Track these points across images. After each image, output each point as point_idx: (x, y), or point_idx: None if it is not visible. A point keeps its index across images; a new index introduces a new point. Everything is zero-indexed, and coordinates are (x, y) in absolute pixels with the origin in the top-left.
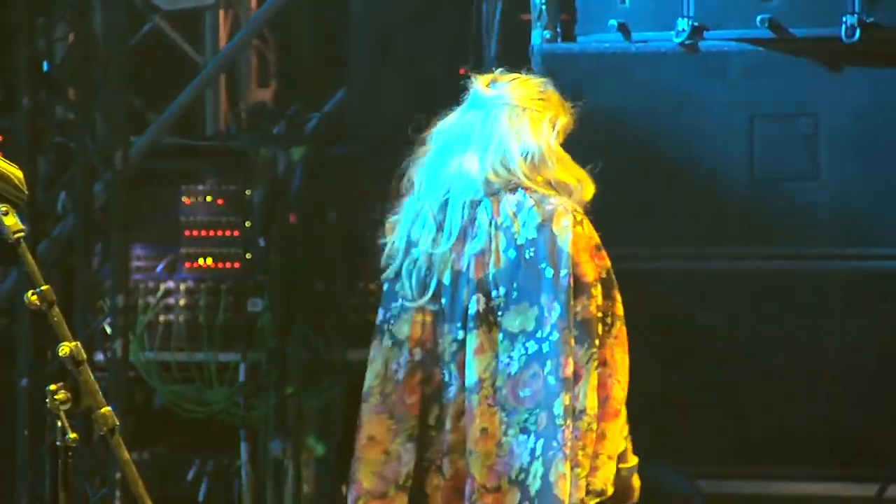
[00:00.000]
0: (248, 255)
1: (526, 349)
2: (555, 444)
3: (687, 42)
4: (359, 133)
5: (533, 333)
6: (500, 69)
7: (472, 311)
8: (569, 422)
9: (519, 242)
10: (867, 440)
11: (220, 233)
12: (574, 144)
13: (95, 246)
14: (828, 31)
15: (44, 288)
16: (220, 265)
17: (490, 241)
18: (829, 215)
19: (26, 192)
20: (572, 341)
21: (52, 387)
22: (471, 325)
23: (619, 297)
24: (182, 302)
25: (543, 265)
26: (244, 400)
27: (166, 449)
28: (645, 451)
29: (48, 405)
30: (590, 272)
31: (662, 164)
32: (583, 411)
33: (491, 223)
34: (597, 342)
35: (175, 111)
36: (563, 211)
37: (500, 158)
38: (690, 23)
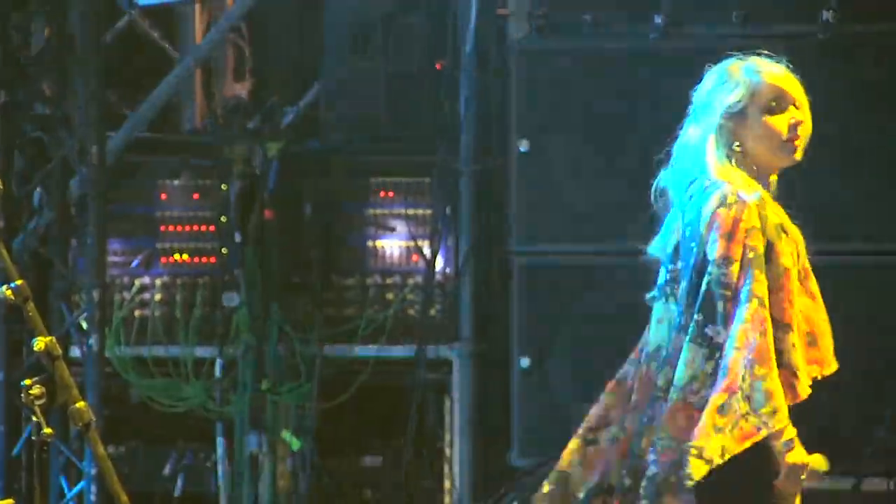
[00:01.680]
0: (223, 250)
1: None
2: None
3: (661, 37)
4: (335, 127)
5: None
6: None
7: None
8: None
9: None
10: (839, 434)
11: (195, 228)
12: (552, 139)
13: (71, 241)
14: (803, 26)
15: (18, 282)
16: (195, 260)
17: None
18: (805, 209)
19: (1, 187)
20: None
21: (28, 382)
22: None
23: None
24: (158, 297)
25: None
26: (220, 395)
27: (142, 444)
28: None
29: (23, 400)
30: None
31: (635, 161)
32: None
33: None
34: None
35: (151, 106)
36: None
37: None
38: (665, 18)
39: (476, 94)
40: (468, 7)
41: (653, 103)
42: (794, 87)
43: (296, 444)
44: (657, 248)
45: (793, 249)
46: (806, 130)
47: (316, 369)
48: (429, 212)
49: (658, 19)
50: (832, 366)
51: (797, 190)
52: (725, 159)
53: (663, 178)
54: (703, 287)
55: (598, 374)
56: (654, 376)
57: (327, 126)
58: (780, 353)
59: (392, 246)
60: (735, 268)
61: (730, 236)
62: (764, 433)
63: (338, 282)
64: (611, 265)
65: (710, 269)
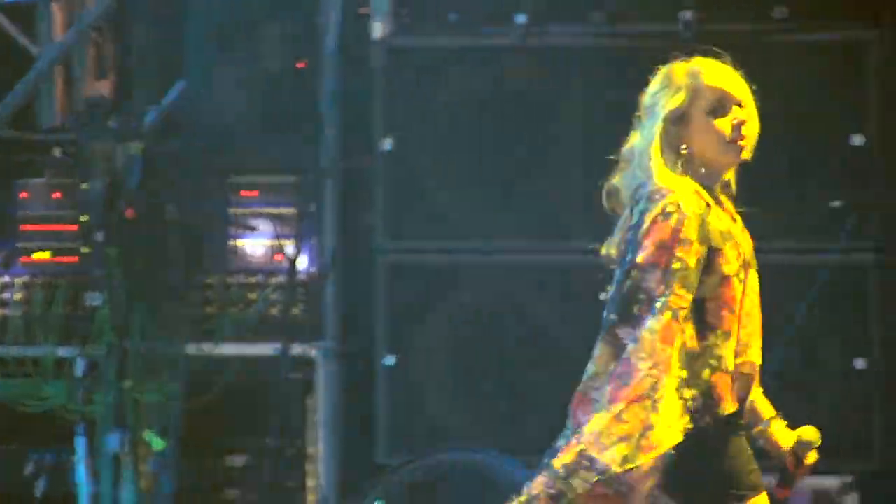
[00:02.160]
0: (85, 250)
1: None
2: None
3: (525, 36)
4: (197, 127)
5: None
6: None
7: None
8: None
9: None
10: None
11: (57, 227)
12: (417, 137)
13: None
14: (665, 26)
15: None
16: (57, 259)
17: None
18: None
19: None
20: None
21: None
22: None
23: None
24: (18, 296)
25: None
26: (82, 394)
27: (2, 444)
28: (486, 439)
29: None
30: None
31: (504, 158)
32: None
33: None
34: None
35: (11, 104)
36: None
37: None
38: (529, 17)
39: (340, 93)
40: (331, 6)
41: (517, 101)
42: (737, 86)
43: (158, 444)
44: (609, 248)
45: (737, 255)
46: (751, 129)
47: (179, 369)
48: (293, 211)
49: (520, 19)
50: (756, 360)
51: None
52: (672, 164)
53: (615, 180)
54: (624, 289)
55: (463, 372)
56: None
57: (190, 125)
58: (718, 358)
59: (255, 245)
60: (657, 275)
61: (660, 244)
62: (666, 447)
63: (200, 281)
64: (476, 263)
65: (632, 272)
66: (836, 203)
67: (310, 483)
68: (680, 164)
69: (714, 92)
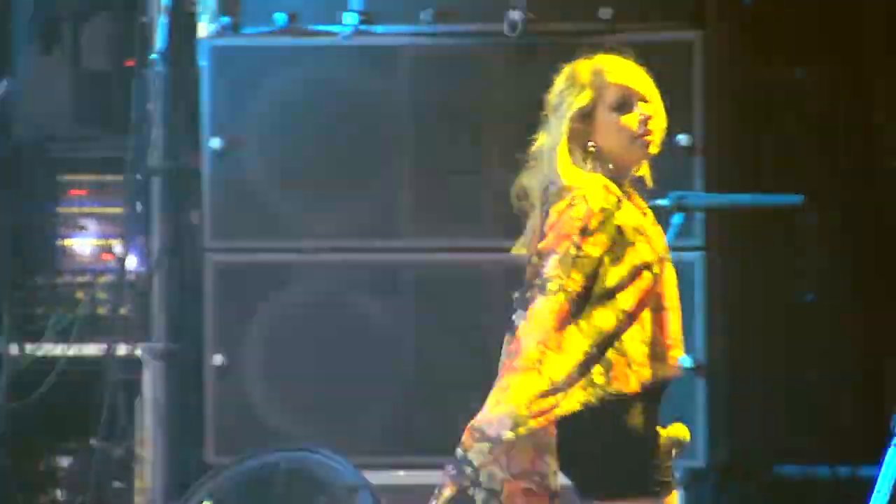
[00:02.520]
0: None
1: None
2: None
3: (354, 36)
4: (23, 125)
5: None
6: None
7: None
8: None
9: None
10: None
11: None
12: (245, 137)
13: None
14: (492, 25)
15: None
16: None
17: None
18: (494, 209)
19: None
20: None
21: None
22: None
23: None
24: None
25: None
26: None
27: None
28: (316, 439)
29: None
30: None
31: (331, 159)
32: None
33: None
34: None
35: None
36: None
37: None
38: (357, 17)
39: (167, 92)
40: (157, 4)
41: (345, 101)
42: (641, 82)
43: None
44: (521, 248)
45: (650, 249)
46: (658, 124)
47: (3, 368)
48: (121, 210)
49: (350, 18)
50: (678, 354)
51: (489, 189)
52: (580, 161)
53: (524, 180)
54: (525, 277)
55: (291, 372)
56: None
57: (16, 123)
58: (622, 342)
59: (83, 245)
60: (554, 260)
61: (561, 233)
62: (557, 412)
63: (27, 280)
64: (304, 263)
65: (532, 259)
66: (662, 202)
67: (138, 484)
68: (588, 161)
69: (618, 89)
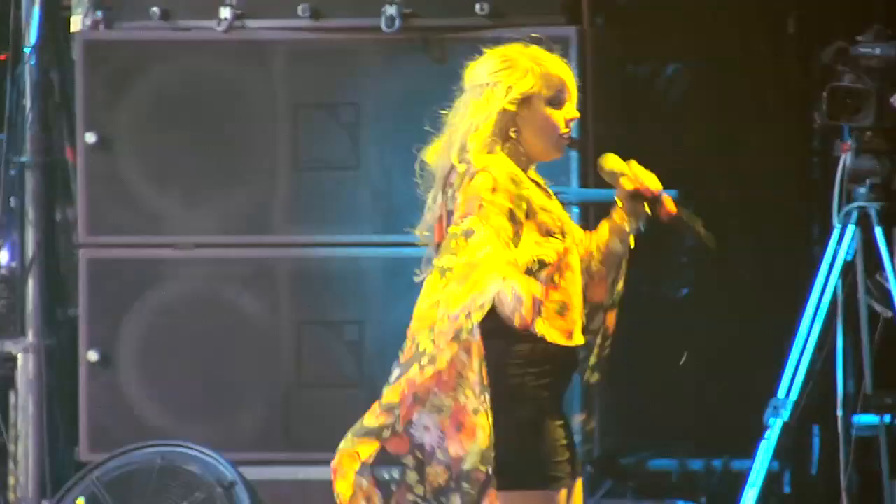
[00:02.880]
0: None
1: None
2: None
3: (230, 30)
4: None
5: None
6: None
7: None
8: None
9: None
10: None
11: None
12: (120, 131)
13: None
14: (369, 20)
15: None
16: None
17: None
18: (371, 204)
19: None
20: None
21: None
22: None
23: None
24: None
25: None
26: None
27: None
28: (193, 435)
29: None
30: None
31: (207, 154)
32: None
33: None
34: None
35: None
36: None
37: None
38: (233, 11)
39: (41, 87)
40: (29, 1)
41: (223, 95)
42: (572, 81)
43: None
44: (422, 231)
45: (559, 228)
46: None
47: None
48: None
49: (225, 13)
50: (578, 339)
51: (366, 184)
52: (496, 144)
53: (429, 155)
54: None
55: (167, 369)
56: None
57: None
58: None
59: None
60: (473, 219)
61: (473, 197)
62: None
63: None
64: (180, 259)
65: (451, 230)
66: None
67: (11, 481)
68: (506, 146)
69: (558, 83)
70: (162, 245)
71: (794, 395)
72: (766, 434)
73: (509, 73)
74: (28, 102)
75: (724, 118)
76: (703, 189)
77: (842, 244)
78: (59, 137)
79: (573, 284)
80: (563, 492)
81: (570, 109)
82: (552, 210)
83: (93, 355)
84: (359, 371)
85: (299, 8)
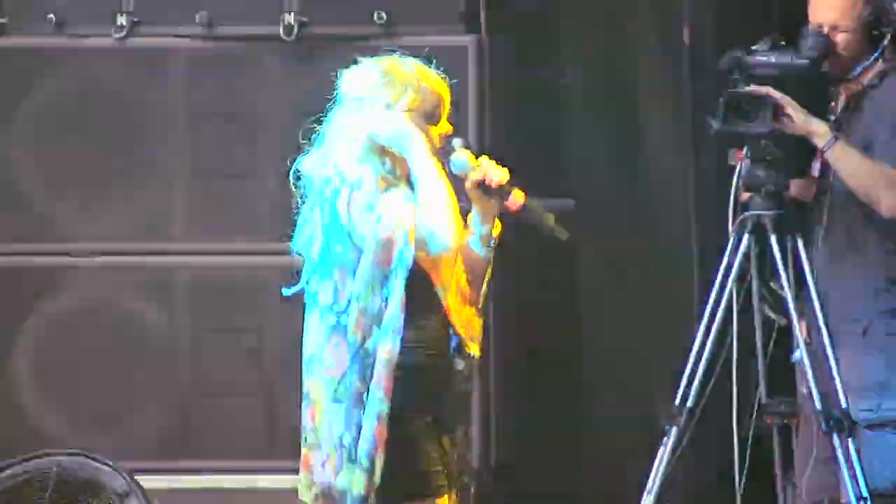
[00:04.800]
0: None
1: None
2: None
3: (125, 38)
4: None
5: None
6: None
7: None
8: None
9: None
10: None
11: None
12: (12, 137)
13: None
14: (267, 28)
15: None
16: None
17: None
18: (269, 212)
19: None
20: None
21: None
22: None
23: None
24: None
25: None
26: None
27: None
28: (91, 444)
29: None
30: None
31: (103, 162)
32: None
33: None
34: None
35: None
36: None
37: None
38: (129, 18)
39: None
40: None
41: (119, 102)
42: (448, 96)
43: None
44: (299, 244)
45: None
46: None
47: None
48: None
49: (121, 19)
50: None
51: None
52: (373, 158)
53: (304, 165)
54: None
55: (65, 377)
56: None
57: None
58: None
59: None
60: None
61: (365, 210)
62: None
63: None
64: (76, 266)
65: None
66: None
67: None
68: (384, 161)
69: (436, 98)
70: (58, 253)
71: (690, 402)
72: (664, 440)
73: (388, 89)
74: None
75: (620, 126)
76: (600, 195)
77: (737, 253)
78: None
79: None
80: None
81: (444, 124)
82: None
83: None
84: (258, 379)
85: (197, 16)
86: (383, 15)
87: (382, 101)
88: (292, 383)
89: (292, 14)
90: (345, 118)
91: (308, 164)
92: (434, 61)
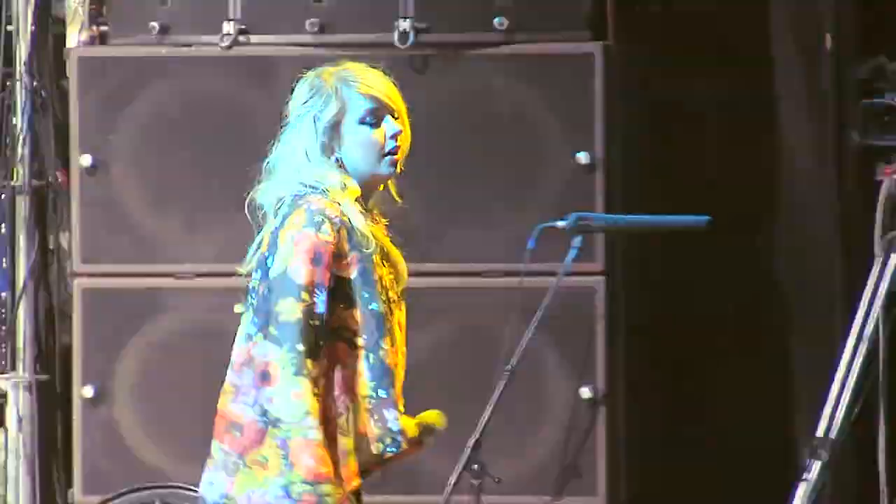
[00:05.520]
0: None
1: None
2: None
3: (232, 46)
4: None
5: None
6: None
7: None
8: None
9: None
10: None
11: None
12: (117, 154)
13: None
14: (381, 36)
15: None
16: None
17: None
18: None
19: None
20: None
21: None
22: None
23: (356, 314)
24: None
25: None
26: None
27: None
28: (192, 475)
29: None
30: (304, 274)
31: (208, 177)
32: (277, 419)
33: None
34: (300, 347)
35: None
36: (308, 209)
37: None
38: (237, 26)
39: (33, 106)
40: (24, 12)
41: (225, 115)
42: (391, 96)
43: None
44: (249, 263)
45: (390, 278)
46: (405, 141)
47: None
48: None
49: (228, 27)
50: (401, 401)
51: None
52: (334, 168)
53: (259, 194)
54: (296, 317)
55: (166, 405)
56: None
57: None
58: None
59: None
60: (316, 297)
61: (317, 261)
62: None
63: None
64: (179, 288)
65: (299, 293)
66: (560, 223)
67: None
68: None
69: (368, 101)
70: (161, 274)
71: (833, 434)
72: (805, 475)
73: (314, 101)
74: (18, 122)
75: (758, 142)
76: (727, 215)
77: (884, 273)
78: (52, 160)
79: (400, 343)
80: None
81: (393, 125)
82: (390, 251)
83: (88, 391)
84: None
85: (307, 22)
86: (504, 21)
87: (311, 114)
88: None
89: (408, 21)
90: (288, 139)
91: (262, 191)
92: (380, 64)
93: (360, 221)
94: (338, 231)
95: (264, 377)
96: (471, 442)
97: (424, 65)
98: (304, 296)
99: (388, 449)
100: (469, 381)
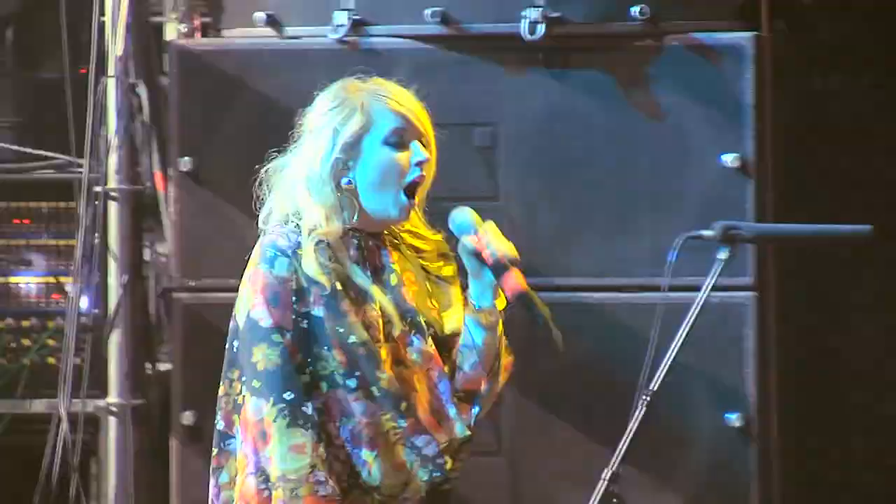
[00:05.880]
0: None
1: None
2: None
3: (346, 38)
4: None
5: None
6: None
7: None
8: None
9: None
10: None
11: None
12: (219, 157)
13: None
14: (507, 27)
15: None
16: None
17: None
18: (510, 239)
19: None
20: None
21: None
22: None
23: (330, 356)
24: None
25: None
26: None
27: None
28: None
29: None
30: (267, 316)
31: None
32: (279, 477)
33: None
34: (288, 396)
35: None
36: (261, 243)
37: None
38: (350, 16)
39: (128, 104)
40: (117, 3)
41: None
42: (422, 119)
43: None
44: None
45: (377, 313)
46: (430, 172)
47: None
48: (73, 242)
49: (341, 17)
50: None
51: (504, 216)
52: (329, 197)
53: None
54: (274, 363)
55: None
56: None
57: None
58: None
59: (28, 282)
60: (290, 338)
61: (273, 301)
62: None
63: None
64: None
65: (269, 337)
66: (707, 233)
67: None
68: (342, 200)
69: (397, 120)
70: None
71: None
72: None
73: (335, 116)
74: (112, 123)
75: None
76: (893, 224)
77: None
78: (148, 163)
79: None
80: None
81: (420, 151)
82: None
83: (188, 417)
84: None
85: (426, 12)
86: (646, 9)
87: (331, 126)
88: None
89: (538, 10)
90: (299, 150)
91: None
92: (407, 82)
93: (311, 267)
94: (300, 264)
95: (263, 437)
96: (607, 474)
97: (555, 59)
98: (276, 338)
99: (434, 475)
100: (604, 406)
